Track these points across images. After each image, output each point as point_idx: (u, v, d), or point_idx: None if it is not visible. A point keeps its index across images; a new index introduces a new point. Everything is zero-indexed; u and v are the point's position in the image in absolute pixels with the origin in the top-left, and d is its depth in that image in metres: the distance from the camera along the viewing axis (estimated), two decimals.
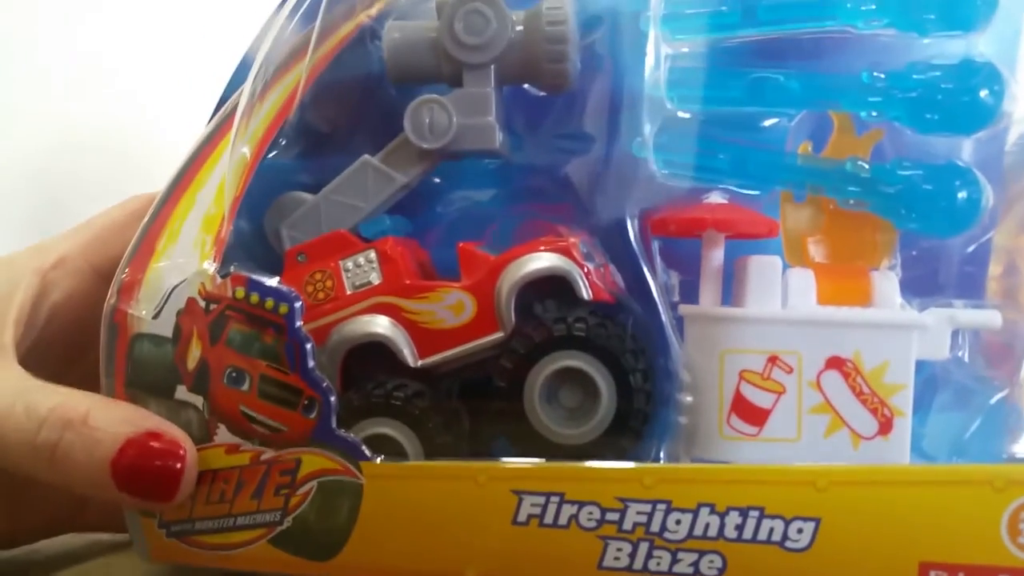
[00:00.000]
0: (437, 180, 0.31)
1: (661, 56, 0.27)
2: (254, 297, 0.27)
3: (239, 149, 0.29)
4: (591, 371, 0.26)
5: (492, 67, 0.28)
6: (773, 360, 0.26)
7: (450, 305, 0.28)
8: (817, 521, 0.25)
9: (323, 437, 0.26)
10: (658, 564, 0.25)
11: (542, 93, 0.30)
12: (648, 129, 0.27)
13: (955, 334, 0.27)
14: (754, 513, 0.25)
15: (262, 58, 0.29)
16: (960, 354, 0.27)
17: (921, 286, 0.28)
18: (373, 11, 0.29)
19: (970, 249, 0.28)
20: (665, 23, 0.27)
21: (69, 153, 0.67)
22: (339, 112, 0.30)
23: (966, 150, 0.27)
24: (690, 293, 0.28)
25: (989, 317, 0.26)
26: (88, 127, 0.71)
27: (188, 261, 0.27)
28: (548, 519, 0.25)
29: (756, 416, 0.26)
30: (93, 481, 0.25)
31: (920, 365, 0.26)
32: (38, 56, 0.65)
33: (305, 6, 0.29)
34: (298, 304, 0.27)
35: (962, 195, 0.26)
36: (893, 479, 0.25)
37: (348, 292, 0.28)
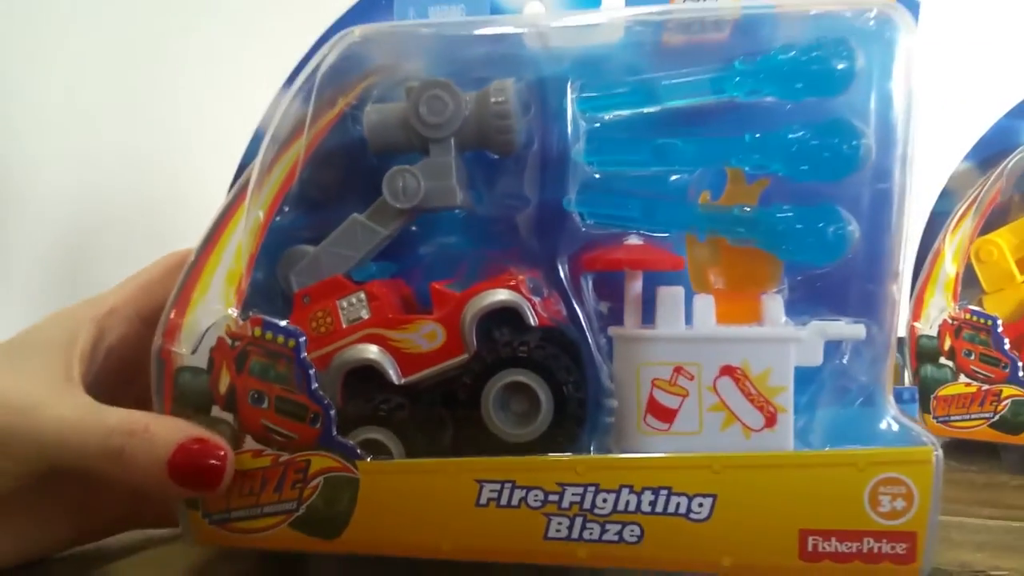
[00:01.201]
0: (415, 229, 0.38)
1: (580, 129, 0.33)
2: (268, 335, 0.34)
3: (252, 214, 0.35)
4: (533, 384, 0.33)
5: (452, 139, 0.35)
6: (678, 370, 0.32)
7: (425, 333, 0.35)
8: (714, 497, 0.31)
9: (326, 443, 0.33)
10: (591, 534, 0.31)
11: (495, 156, 0.37)
12: (573, 189, 0.33)
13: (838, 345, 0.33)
14: (664, 492, 0.31)
15: (270, 135, 0.35)
16: (843, 360, 0.34)
17: (830, 303, 0.34)
18: (351, 99, 0.36)
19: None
20: (581, 104, 0.33)
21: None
22: (331, 181, 0.37)
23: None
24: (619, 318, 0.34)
25: (855, 330, 0.32)
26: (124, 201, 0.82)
27: (217, 308, 0.34)
28: (503, 501, 0.32)
29: (666, 415, 0.32)
30: (153, 478, 0.32)
31: (809, 373, 0.33)
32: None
33: (303, 87, 0.35)
34: (302, 339, 0.34)
35: (829, 231, 0.32)
36: (776, 463, 0.31)
37: (344, 326, 0.35)
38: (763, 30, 0.33)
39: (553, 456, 0.32)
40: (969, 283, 0.59)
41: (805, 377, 0.32)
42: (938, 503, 0.31)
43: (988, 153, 0.62)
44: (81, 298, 0.39)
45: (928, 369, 0.58)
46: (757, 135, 0.32)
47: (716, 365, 0.32)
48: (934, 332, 0.58)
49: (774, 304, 0.33)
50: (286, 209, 0.36)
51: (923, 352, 0.59)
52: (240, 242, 0.35)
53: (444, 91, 0.35)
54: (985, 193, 0.59)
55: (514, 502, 0.32)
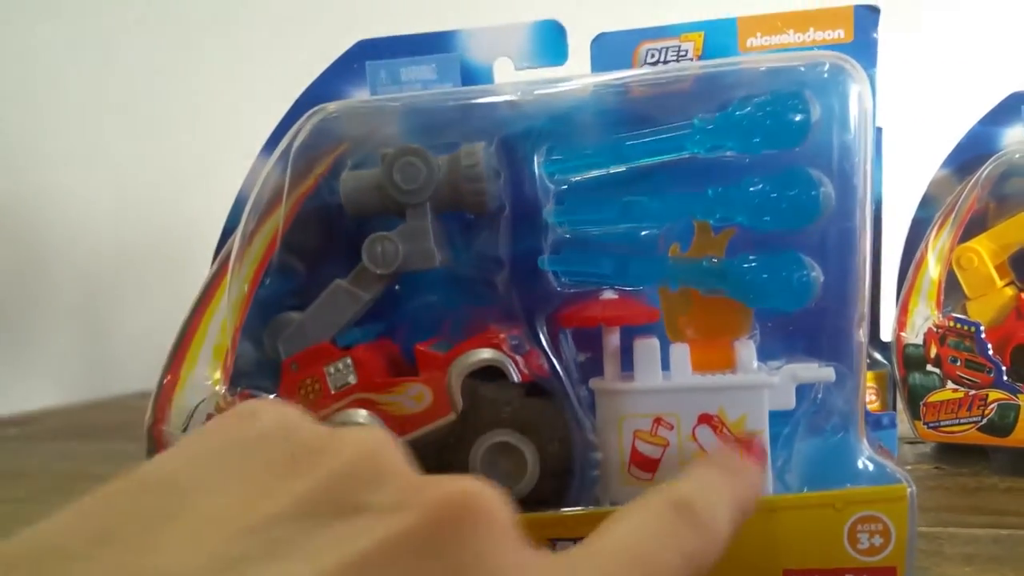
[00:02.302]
0: (398, 288, 0.39)
1: (549, 191, 0.34)
2: None
3: (236, 287, 0.36)
4: (518, 444, 0.34)
5: (427, 203, 0.36)
6: (658, 421, 0.33)
7: (413, 395, 0.36)
8: None
9: None
10: None
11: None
12: (546, 248, 0.34)
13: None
14: None
15: (249, 206, 0.36)
16: (816, 395, 0.35)
17: (802, 346, 0.35)
18: (326, 169, 0.37)
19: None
20: (548, 166, 0.34)
21: None
22: (311, 248, 0.38)
23: None
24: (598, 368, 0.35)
25: (825, 373, 0.33)
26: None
27: (205, 385, 0.35)
28: None
29: (649, 465, 0.33)
30: None
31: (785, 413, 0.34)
32: None
33: (279, 160, 0.36)
34: None
35: (794, 278, 0.33)
36: (757, 507, 0.32)
37: (332, 392, 0.36)
38: (724, 80, 0.34)
39: (543, 512, 0.33)
40: (952, 289, 0.60)
41: (781, 418, 0.33)
42: (915, 537, 0.31)
43: (964, 159, 0.63)
44: None
45: (916, 377, 0.59)
46: (720, 189, 0.33)
47: (694, 414, 0.33)
48: (920, 340, 0.59)
49: (746, 350, 0.33)
50: (267, 281, 0.37)
51: (910, 360, 0.60)
52: (225, 317, 0.36)
53: (417, 158, 0.36)
54: (963, 201, 0.60)
55: None
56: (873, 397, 0.60)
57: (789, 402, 0.33)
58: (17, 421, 0.92)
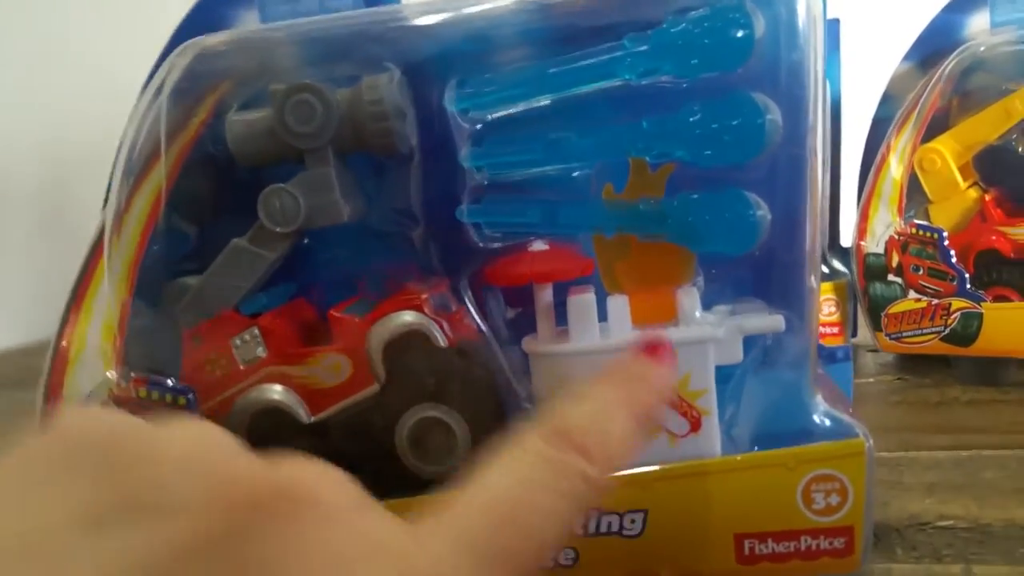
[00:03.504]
0: (307, 242, 0.35)
1: (463, 130, 0.30)
2: (155, 394, 0.31)
3: (116, 260, 0.32)
4: (447, 419, 0.30)
5: (328, 147, 0.32)
6: None
7: (329, 366, 0.32)
8: (645, 511, 0.30)
9: None
10: None
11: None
12: (464, 197, 0.30)
13: None
14: (594, 512, 0.30)
15: (120, 171, 0.32)
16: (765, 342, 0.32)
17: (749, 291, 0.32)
18: (207, 115, 0.32)
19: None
20: (461, 102, 0.30)
21: None
22: (201, 206, 0.34)
23: None
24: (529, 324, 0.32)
25: (774, 321, 0.30)
26: None
27: (96, 369, 0.32)
28: None
29: None
30: None
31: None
32: None
33: (148, 112, 0.31)
34: (191, 395, 0.31)
35: (739, 217, 0.29)
36: (703, 470, 0.30)
37: (241, 367, 0.33)
38: None
39: None
40: (915, 192, 0.57)
41: (726, 371, 0.31)
42: (872, 492, 0.29)
43: (928, 52, 0.59)
44: None
45: (877, 287, 0.57)
46: (656, 120, 0.29)
47: None
48: (881, 249, 0.57)
49: (689, 299, 0.30)
50: (155, 248, 0.32)
51: (871, 270, 0.57)
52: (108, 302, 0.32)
53: (312, 95, 0.31)
54: (925, 98, 0.56)
55: None
56: (833, 308, 0.57)
57: (736, 356, 0.30)
58: None
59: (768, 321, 0.30)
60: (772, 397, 0.30)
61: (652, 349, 0.27)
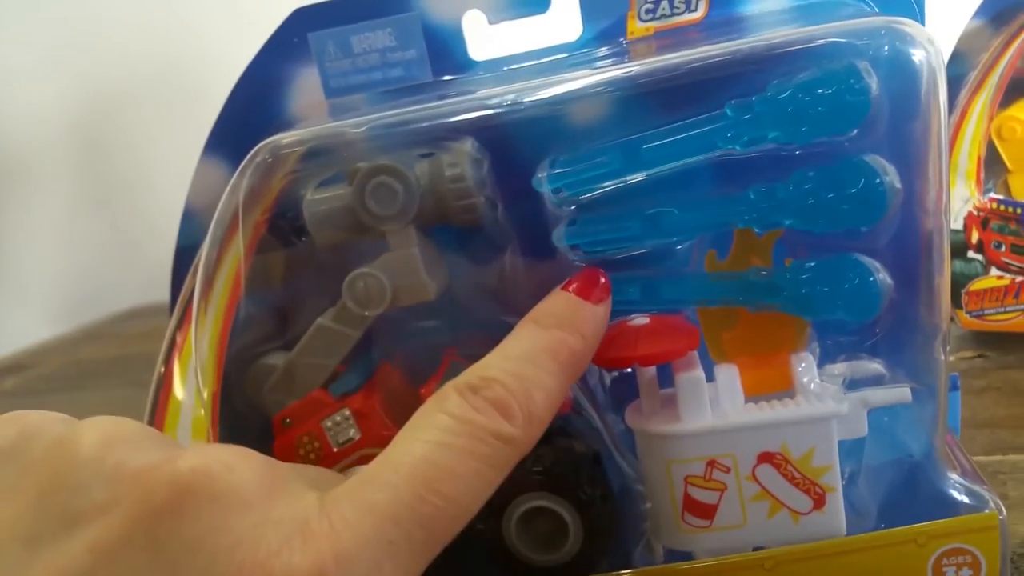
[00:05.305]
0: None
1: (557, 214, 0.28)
2: None
3: (202, 351, 0.31)
4: (557, 508, 0.30)
5: (411, 226, 0.30)
6: (712, 464, 0.29)
7: None
8: None
9: None
10: None
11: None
12: None
13: None
14: None
15: (201, 271, 0.30)
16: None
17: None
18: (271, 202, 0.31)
19: None
20: (553, 182, 0.28)
21: None
22: (278, 296, 0.33)
23: None
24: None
25: (900, 394, 0.28)
26: None
27: None
28: None
29: (705, 511, 0.29)
30: None
31: None
32: None
33: (223, 215, 0.30)
34: None
35: (860, 285, 0.27)
36: (830, 551, 0.29)
37: (335, 449, 0.32)
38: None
39: None
40: (993, 163, 0.54)
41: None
42: (1007, 559, 0.28)
43: (1000, 7, 0.55)
44: None
45: (956, 264, 0.55)
46: (763, 189, 0.27)
47: (753, 454, 0.28)
48: (959, 225, 0.54)
49: (806, 366, 0.29)
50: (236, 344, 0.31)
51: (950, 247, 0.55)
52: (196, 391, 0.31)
53: (392, 178, 0.30)
54: (1004, 59, 0.53)
55: None
56: None
57: (861, 430, 0.28)
58: (12, 367, 0.88)
59: (894, 394, 0.28)
60: (899, 469, 0.29)
61: (583, 286, 0.26)
